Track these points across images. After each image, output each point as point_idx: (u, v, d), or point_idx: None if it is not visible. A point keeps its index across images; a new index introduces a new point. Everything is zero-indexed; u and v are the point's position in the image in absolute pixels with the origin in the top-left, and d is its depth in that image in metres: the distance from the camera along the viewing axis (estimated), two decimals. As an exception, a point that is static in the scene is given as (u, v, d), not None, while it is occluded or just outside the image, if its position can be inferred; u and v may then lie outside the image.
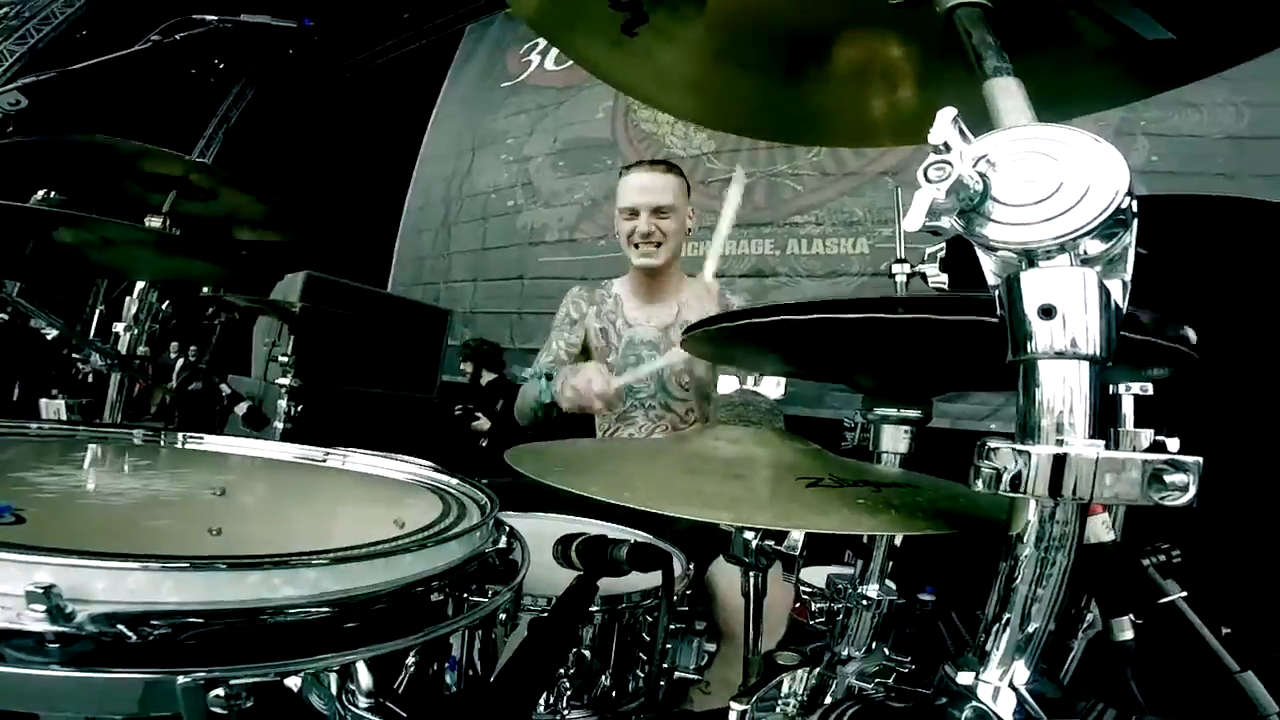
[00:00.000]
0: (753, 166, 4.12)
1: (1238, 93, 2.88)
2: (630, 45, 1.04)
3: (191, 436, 1.22)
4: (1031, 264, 0.54)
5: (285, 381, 2.38)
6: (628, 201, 2.24)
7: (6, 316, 1.93)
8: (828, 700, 0.97)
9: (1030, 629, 0.57)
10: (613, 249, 4.56)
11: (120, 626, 0.51)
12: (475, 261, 5.51)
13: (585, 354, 2.39)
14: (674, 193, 2.22)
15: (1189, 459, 0.49)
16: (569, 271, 4.78)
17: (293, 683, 0.63)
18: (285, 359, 2.41)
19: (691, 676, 1.24)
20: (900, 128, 1.12)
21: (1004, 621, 0.58)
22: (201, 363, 2.59)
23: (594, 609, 1.12)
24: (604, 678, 1.15)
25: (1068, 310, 0.52)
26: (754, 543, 1.02)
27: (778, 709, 1.00)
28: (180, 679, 0.50)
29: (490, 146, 5.70)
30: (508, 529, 0.92)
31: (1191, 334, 0.76)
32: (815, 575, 2.06)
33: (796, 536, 1.03)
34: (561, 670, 1.10)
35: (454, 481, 1.10)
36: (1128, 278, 0.54)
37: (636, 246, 2.23)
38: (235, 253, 2.19)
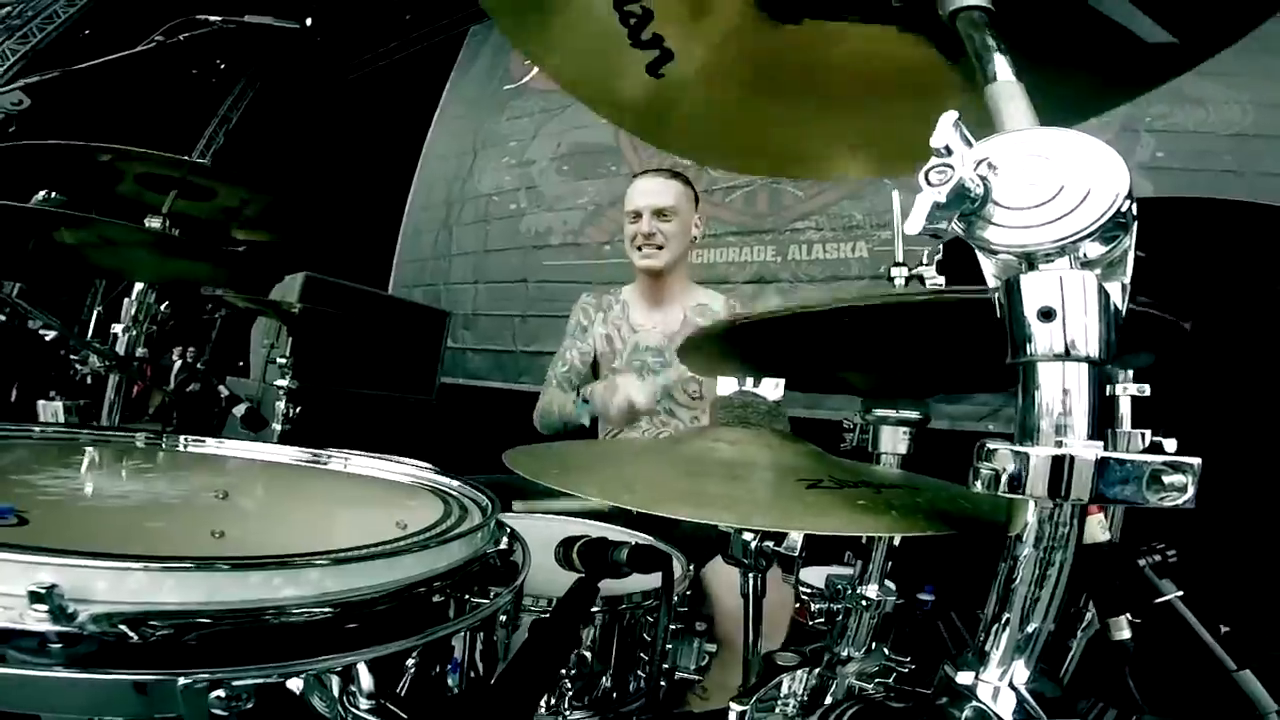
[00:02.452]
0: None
1: (1242, 90, 2.88)
2: (658, 95, 1.04)
3: (193, 440, 1.22)
4: (1031, 267, 0.54)
5: (284, 383, 2.38)
6: (632, 204, 2.27)
7: (5, 317, 1.93)
8: (828, 700, 0.98)
9: (1030, 629, 0.57)
10: (618, 254, 4.55)
11: (122, 627, 0.51)
12: (477, 264, 5.50)
13: (595, 362, 2.41)
14: (675, 196, 2.25)
15: (1187, 460, 0.49)
16: (574, 275, 4.77)
17: (294, 684, 0.63)
18: (284, 360, 2.41)
19: (692, 677, 1.25)
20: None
21: (1003, 621, 0.58)
22: (199, 363, 2.58)
23: (595, 610, 1.12)
24: (605, 679, 1.15)
25: (1067, 313, 0.52)
26: (753, 544, 1.02)
27: (777, 709, 1.00)
28: (182, 680, 0.50)
29: (492, 149, 5.69)
30: (509, 530, 0.92)
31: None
32: (814, 576, 2.06)
33: (795, 538, 1.03)
34: (563, 671, 1.10)
35: (455, 483, 1.11)
36: (1127, 280, 0.54)
37: (640, 249, 2.26)
38: (234, 253, 2.19)
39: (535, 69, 5.57)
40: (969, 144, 0.55)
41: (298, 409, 2.41)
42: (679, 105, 1.09)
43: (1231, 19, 0.87)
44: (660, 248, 2.23)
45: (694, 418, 2.26)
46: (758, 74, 1.05)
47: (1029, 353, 0.53)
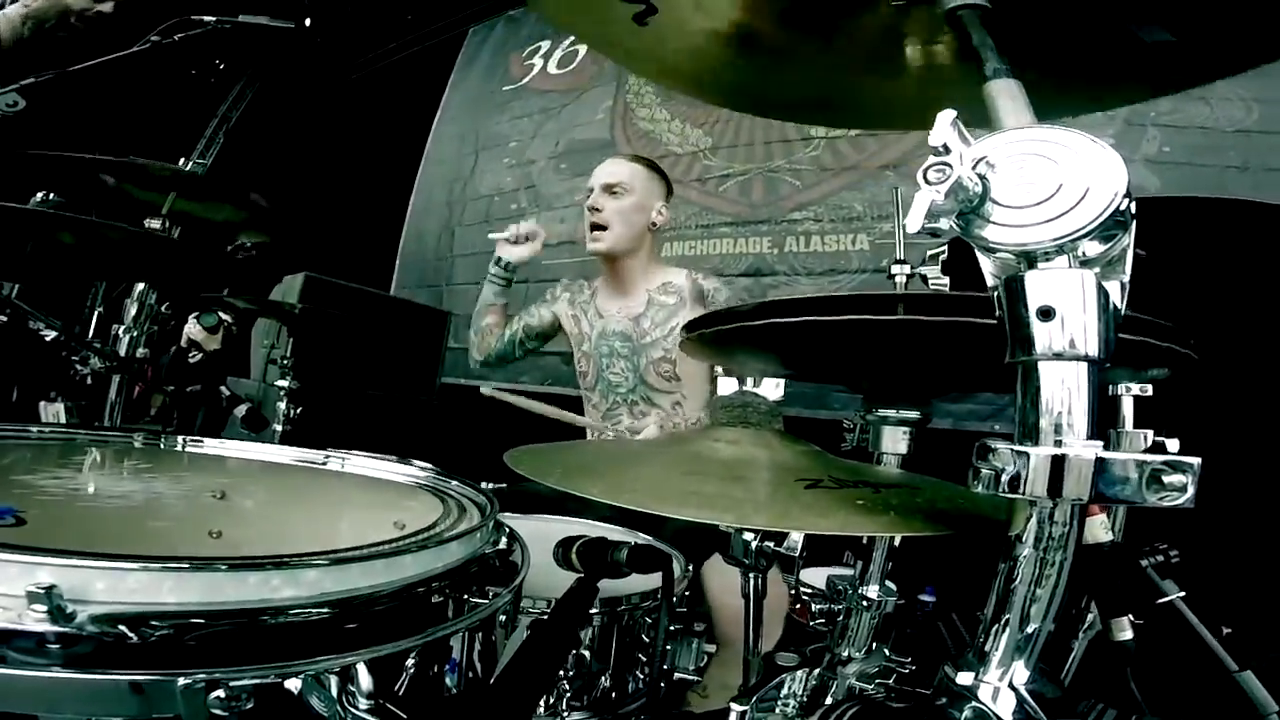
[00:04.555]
0: (749, 163, 4.05)
1: (1246, 88, 2.87)
2: (647, 30, 1.03)
3: (192, 440, 1.22)
4: (1030, 266, 0.54)
5: (284, 384, 2.39)
6: (587, 184, 2.29)
7: (6, 318, 1.94)
8: (828, 701, 0.98)
9: (1030, 629, 0.57)
10: None
11: (121, 627, 0.51)
12: (479, 264, 5.44)
13: (545, 336, 2.53)
14: (629, 174, 2.24)
15: (1187, 459, 0.49)
16: (568, 273, 4.71)
17: (293, 684, 0.63)
18: (284, 361, 2.41)
19: (691, 677, 1.25)
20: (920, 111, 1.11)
21: (1003, 622, 0.58)
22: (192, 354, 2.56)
23: (594, 611, 1.12)
24: (604, 679, 1.15)
25: (1066, 311, 0.52)
26: (753, 544, 1.02)
27: (777, 709, 1.00)
28: (180, 680, 0.50)
29: (493, 150, 5.66)
30: (508, 530, 0.92)
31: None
32: (815, 576, 2.06)
33: (796, 538, 1.03)
34: (561, 672, 1.10)
35: (454, 483, 1.10)
36: (1126, 279, 0.54)
37: (591, 230, 2.25)
38: (234, 254, 2.20)
39: (535, 69, 5.56)
40: (967, 142, 0.55)
41: (298, 409, 2.42)
42: (672, 41, 1.07)
43: (1242, 50, 0.87)
44: (604, 228, 2.21)
45: (675, 403, 2.23)
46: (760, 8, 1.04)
47: (1028, 352, 0.53)
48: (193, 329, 2.57)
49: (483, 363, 2.57)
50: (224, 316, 2.50)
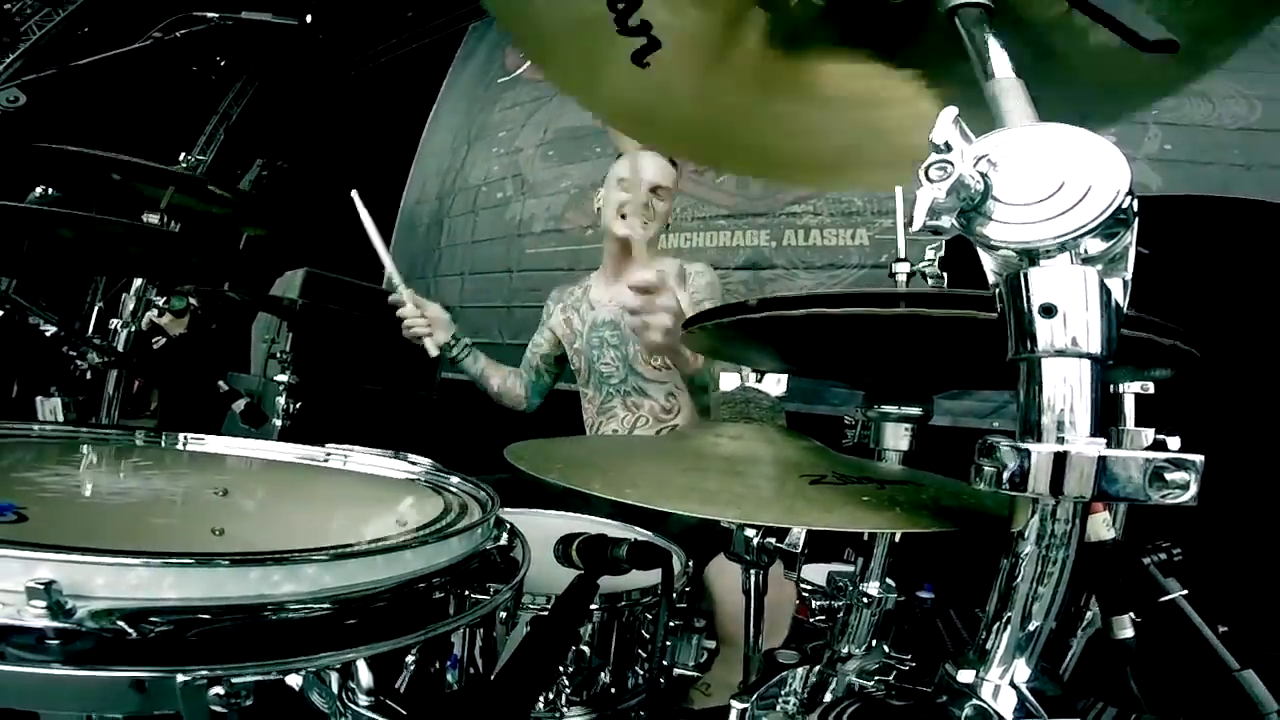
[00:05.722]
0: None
1: (1248, 86, 2.86)
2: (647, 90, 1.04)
3: (193, 437, 1.22)
4: (1032, 263, 0.54)
5: (284, 378, 2.39)
6: (630, 173, 2.26)
7: (2, 313, 1.94)
8: (828, 698, 0.97)
9: (1031, 627, 0.57)
10: (599, 238, 4.44)
11: (120, 623, 0.51)
12: (465, 255, 5.42)
13: (560, 359, 2.51)
14: (672, 180, 2.29)
15: (1190, 457, 0.49)
16: (555, 263, 4.62)
17: (294, 680, 0.63)
18: (284, 356, 2.41)
19: (691, 674, 1.25)
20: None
21: (1005, 619, 0.58)
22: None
23: (594, 607, 1.12)
24: (604, 675, 1.15)
25: (1068, 309, 0.52)
26: (755, 540, 1.02)
27: (778, 707, 1.00)
28: (180, 677, 0.50)
29: (483, 140, 5.61)
30: (508, 527, 0.92)
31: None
32: (816, 573, 2.06)
33: (797, 534, 1.03)
34: (561, 668, 1.10)
35: (455, 479, 1.11)
36: (1128, 276, 0.54)
37: (624, 217, 2.24)
38: (234, 248, 2.20)
39: (529, 60, 5.53)
40: (969, 140, 0.55)
41: (298, 404, 2.42)
42: (668, 101, 1.08)
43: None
44: (645, 223, 2.24)
45: (668, 393, 2.22)
46: (756, 73, 1.03)
47: (1030, 349, 0.53)
48: (155, 313, 2.55)
49: (530, 409, 2.56)
50: (192, 301, 2.48)
